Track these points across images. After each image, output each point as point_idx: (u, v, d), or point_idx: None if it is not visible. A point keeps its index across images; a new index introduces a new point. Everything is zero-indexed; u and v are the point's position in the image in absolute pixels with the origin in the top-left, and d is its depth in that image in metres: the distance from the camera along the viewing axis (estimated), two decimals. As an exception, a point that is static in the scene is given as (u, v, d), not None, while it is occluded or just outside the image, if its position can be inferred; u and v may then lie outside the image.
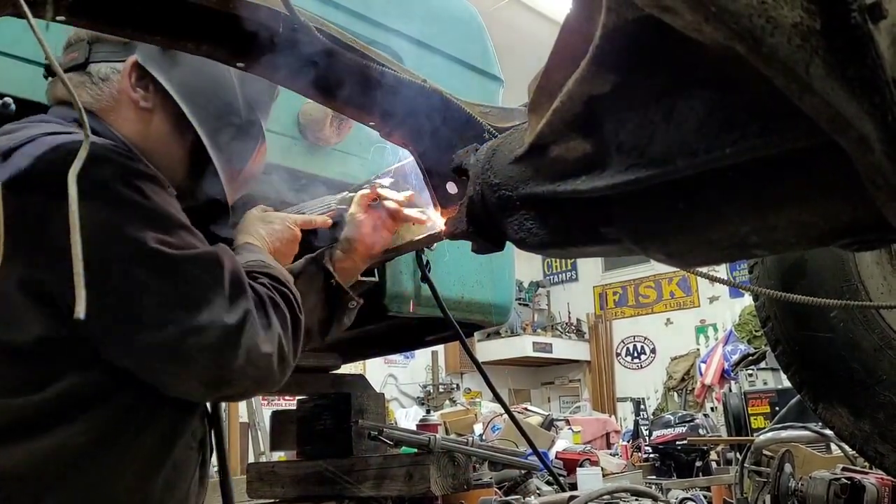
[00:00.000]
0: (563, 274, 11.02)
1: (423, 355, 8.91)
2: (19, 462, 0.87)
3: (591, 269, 10.66)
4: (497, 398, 1.93)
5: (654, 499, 1.59)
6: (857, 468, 1.71)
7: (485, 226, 0.81)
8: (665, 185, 0.56)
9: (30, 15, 0.78)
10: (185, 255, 0.91)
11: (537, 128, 0.71)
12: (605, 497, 1.62)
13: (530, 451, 2.12)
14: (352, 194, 1.43)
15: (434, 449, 1.84)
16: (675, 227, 0.58)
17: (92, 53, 1.16)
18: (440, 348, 9.08)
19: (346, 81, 1.15)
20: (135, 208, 0.92)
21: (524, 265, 10.58)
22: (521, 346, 9.40)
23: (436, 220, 1.54)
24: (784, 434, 2.68)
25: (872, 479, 1.41)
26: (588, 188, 0.61)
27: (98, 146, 0.95)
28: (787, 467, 1.30)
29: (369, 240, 1.38)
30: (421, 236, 1.56)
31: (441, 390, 8.46)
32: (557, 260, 11.11)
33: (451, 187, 1.29)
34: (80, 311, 0.66)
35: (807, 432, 2.58)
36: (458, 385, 8.79)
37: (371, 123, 1.30)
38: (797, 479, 1.31)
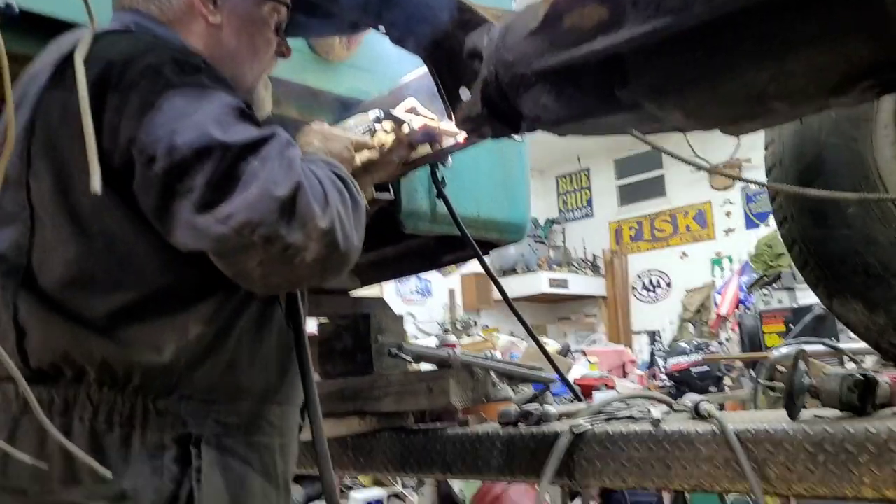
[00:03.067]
0: (579, 210, 10.97)
1: (440, 293, 9.00)
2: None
3: (606, 204, 10.61)
4: (518, 318, 1.96)
5: (669, 404, 1.63)
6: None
7: (499, 107, 0.81)
8: (681, 35, 0.56)
9: None
10: (235, 137, 0.90)
11: (551, -2, 0.70)
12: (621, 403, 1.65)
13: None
14: (379, 113, 1.34)
15: (454, 363, 1.88)
16: (692, 79, 0.57)
17: None
18: (457, 286, 9.15)
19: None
20: (188, 90, 0.93)
21: (540, 202, 10.54)
22: (538, 282, 9.45)
23: (450, 131, 1.53)
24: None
25: (886, 377, 1.44)
26: (604, 46, 0.61)
27: (150, 42, 1.01)
28: (801, 364, 1.33)
29: (388, 169, 1.35)
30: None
31: (459, 327, 8.57)
32: (573, 196, 11.05)
33: (464, 93, 1.28)
34: (97, 186, 0.68)
35: (821, 346, 2.59)
36: (475, 322, 8.89)
37: (381, 29, 1.28)
38: (811, 377, 1.33)
